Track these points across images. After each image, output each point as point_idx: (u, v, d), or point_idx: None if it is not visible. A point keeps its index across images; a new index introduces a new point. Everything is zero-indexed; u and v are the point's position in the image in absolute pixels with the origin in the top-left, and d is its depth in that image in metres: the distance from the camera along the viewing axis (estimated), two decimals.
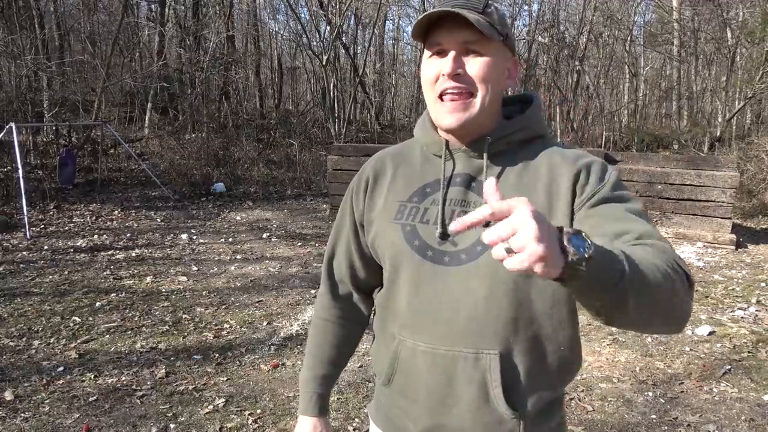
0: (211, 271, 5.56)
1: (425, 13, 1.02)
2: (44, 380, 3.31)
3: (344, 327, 1.28)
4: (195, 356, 3.67)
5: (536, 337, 1.05)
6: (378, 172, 1.19)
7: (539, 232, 0.66)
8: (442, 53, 1.04)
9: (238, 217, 8.15)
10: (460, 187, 1.09)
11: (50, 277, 5.24)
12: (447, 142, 1.11)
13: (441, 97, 1.05)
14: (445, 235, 1.06)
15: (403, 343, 1.10)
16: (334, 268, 1.27)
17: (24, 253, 6.02)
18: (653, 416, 3.02)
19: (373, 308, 1.28)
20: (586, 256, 0.71)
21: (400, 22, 21.88)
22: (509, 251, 0.68)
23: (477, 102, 1.04)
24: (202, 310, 4.51)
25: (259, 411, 3.02)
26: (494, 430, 1.06)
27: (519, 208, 0.68)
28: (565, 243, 0.71)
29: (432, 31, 1.04)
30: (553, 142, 1.13)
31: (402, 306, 1.10)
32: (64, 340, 3.88)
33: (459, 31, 1.01)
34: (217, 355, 3.69)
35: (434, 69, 1.05)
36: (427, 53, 1.07)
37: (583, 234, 0.74)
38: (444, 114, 1.05)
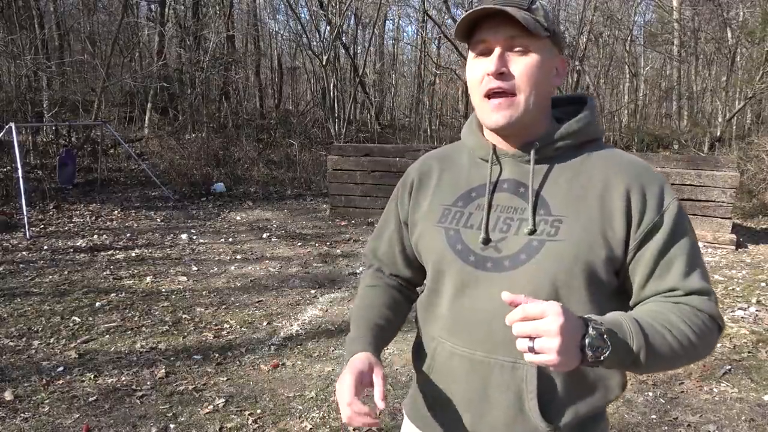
0: (211, 271, 5.56)
1: (468, 12, 1.00)
2: (44, 380, 3.30)
3: (393, 293, 1.25)
4: (195, 356, 3.67)
5: None
6: (423, 174, 1.19)
7: (562, 345, 0.81)
8: (486, 53, 1.02)
9: (238, 217, 8.15)
10: (508, 193, 1.06)
11: (50, 277, 5.24)
12: (494, 146, 1.08)
13: (487, 96, 1.03)
14: (488, 241, 1.04)
15: (442, 345, 1.10)
16: (376, 257, 1.28)
17: (24, 253, 6.02)
18: (653, 416, 3.02)
19: (415, 303, 1.27)
20: (602, 359, 0.86)
21: (400, 22, 21.90)
22: (531, 348, 0.83)
23: (521, 101, 1.01)
24: (202, 310, 4.51)
25: (259, 411, 3.02)
26: None
27: (550, 318, 0.81)
28: (586, 347, 0.85)
29: (476, 30, 1.02)
30: (608, 147, 1.09)
31: (443, 309, 1.10)
32: (64, 340, 3.88)
33: (503, 27, 0.99)
34: (217, 355, 3.68)
35: (480, 69, 1.02)
36: (471, 54, 1.04)
37: (605, 336, 0.86)
38: (489, 113, 1.03)
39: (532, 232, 1.01)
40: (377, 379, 1.03)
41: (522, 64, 1.00)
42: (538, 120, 1.05)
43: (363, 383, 1.03)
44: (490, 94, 1.02)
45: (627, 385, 1.11)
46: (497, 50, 1.00)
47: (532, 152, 1.04)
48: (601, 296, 1.02)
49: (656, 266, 0.99)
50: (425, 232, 1.13)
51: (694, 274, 0.99)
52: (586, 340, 0.85)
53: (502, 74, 1.00)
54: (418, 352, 1.18)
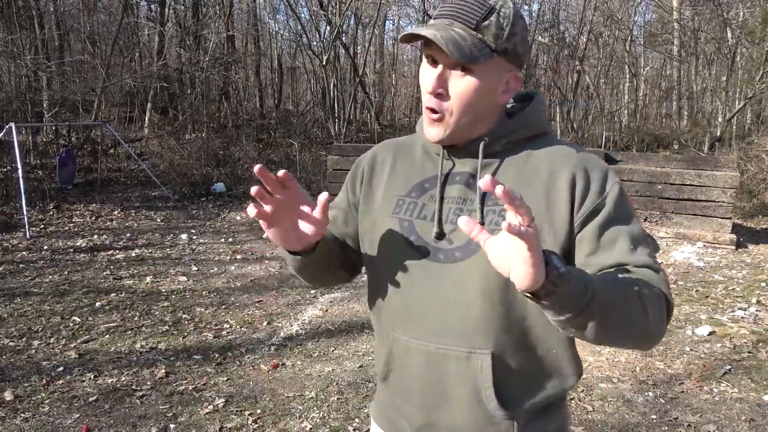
0: (211, 271, 5.56)
1: (407, 32, 1.00)
2: (44, 380, 3.30)
3: (336, 239, 1.22)
4: (195, 356, 3.67)
5: (527, 337, 1.04)
6: (376, 163, 1.20)
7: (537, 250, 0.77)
8: (434, 62, 1.02)
9: (238, 217, 8.15)
10: (460, 185, 1.08)
11: (50, 277, 5.24)
12: None
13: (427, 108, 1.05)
14: (441, 235, 1.06)
15: (397, 340, 1.11)
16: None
17: (24, 253, 6.01)
18: (653, 416, 3.02)
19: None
20: (562, 275, 0.81)
21: (400, 22, 21.89)
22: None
23: (451, 123, 1.03)
24: (202, 310, 4.51)
25: (259, 411, 3.02)
26: (487, 430, 1.06)
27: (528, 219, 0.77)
28: (552, 261, 0.81)
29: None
30: (555, 140, 1.11)
31: (396, 302, 1.10)
32: (64, 340, 3.88)
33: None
34: (217, 355, 3.68)
35: (426, 79, 1.04)
36: (424, 56, 1.05)
37: (563, 261, 0.83)
38: (427, 125, 1.07)
39: (481, 224, 1.02)
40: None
41: (459, 86, 1.01)
42: (481, 124, 1.06)
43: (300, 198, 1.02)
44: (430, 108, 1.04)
45: (582, 373, 1.12)
46: (439, 67, 1.01)
47: (481, 147, 1.06)
48: None
49: (598, 246, 0.98)
50: (379, 223, 1.13)
51: (640, 250, 0.98)
52: (551, 257, 0.82)
53: (439, 95, 1.02)
54: (377, 353, 1.20)
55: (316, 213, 1.01)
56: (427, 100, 1.03)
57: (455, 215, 1.06)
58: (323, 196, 1.00)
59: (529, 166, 1.06)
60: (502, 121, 1.08)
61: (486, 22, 0.98)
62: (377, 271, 1.15)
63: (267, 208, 1.00)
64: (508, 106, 1.12)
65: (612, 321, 0.88)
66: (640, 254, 0.97)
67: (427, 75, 1.03)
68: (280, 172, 0.98)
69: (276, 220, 1.02)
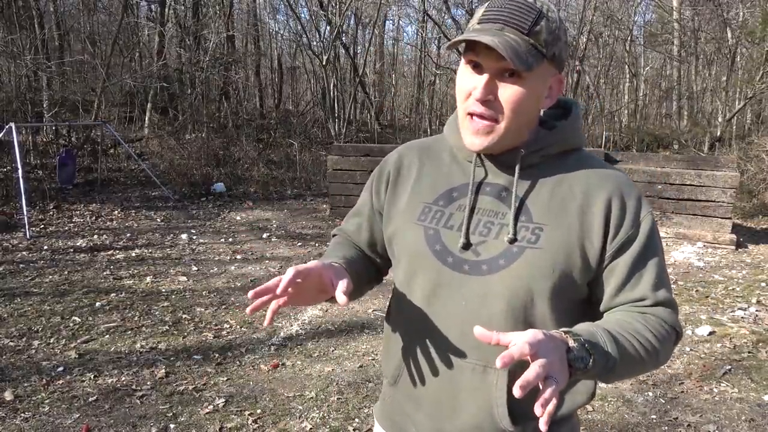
0: (211, 271, 5.56)
1: (460, 38, 0.97)
2: (44, 380, 3.30)
3: (359, 252, 1.24)
4: (195, 356, 3.67)
5: None
6: (402, 167, 1.17)
7: (561, 371, 0.83)
8: (477, 68, 0.99)
9: (238, 217, 8.15)
10: (491, 197, 1.06)
11: (50, 277, 5.24)
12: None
13: (470, 114, 1.02)
14: (468, 246, 1.04)
15: (413, 346, 1.09)
16: (344, 231, 1.28)
17: (24, 253, 6.01)
18: (653, 416, 3.02)
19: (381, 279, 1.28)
20: (587, 369, 0.88)
21: (400, 22, 21.90)
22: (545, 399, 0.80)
23: (502, 128, 1.00)
24: (202, 310, 4.51)
25: (259, 411, 3.02)
26: None
27: (543, 350, 0.82)
28: (573, 361, 0.86)
29: (470, 41, 0.98)
30: (590, 156, 1.09)
31: (416, 309, 1.08)
32: (64, 340, 3.88)
33: (496, 53, 0.94)
34: (217, 355, 3.68)
35: (468, 84, 1.00)
36: (464, 60, 1.01)
37: (587, 346, 0.89)
38: (469, 133, 1.02)
39: (513, 240, 1.01)
40: (344, 279, 1.01)
41: (509, 92, 0.98)
42: (521, 134, 1.04)
43: (318, 277, 1.04)
44: (473, 114, 1.01)
45: (596, 392, 1.12)
46: (486, 76, 0.97)
47: (518, 164, 1.04)
48: (572, 304, 1.04)
49: (629, 277, 1.01)
50: (402, 228, 1.12)
51: (663, 286, 1.03)
52: (572, 354, 0.87)
53: (487, 101, 0.98)
54: (387, 355, 1.17)
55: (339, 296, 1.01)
56: (471, 105, 1.00)
57: (485, 228, 1.04)
58: (342, 300, 1.00)
59: (564, 186, 1.04)
60: (539, 132, 1.06)
61: (537, 27, 0.96)
62: (399, 277, 1.14)
63: (274, 304, 1.07)
64: (541, 113, 1.10)
65: (630, 372, 1.00)
66: (662, 291, 1.02)
67: (471, 81, 1.00)
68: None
69: (294, 300, 1.07)
